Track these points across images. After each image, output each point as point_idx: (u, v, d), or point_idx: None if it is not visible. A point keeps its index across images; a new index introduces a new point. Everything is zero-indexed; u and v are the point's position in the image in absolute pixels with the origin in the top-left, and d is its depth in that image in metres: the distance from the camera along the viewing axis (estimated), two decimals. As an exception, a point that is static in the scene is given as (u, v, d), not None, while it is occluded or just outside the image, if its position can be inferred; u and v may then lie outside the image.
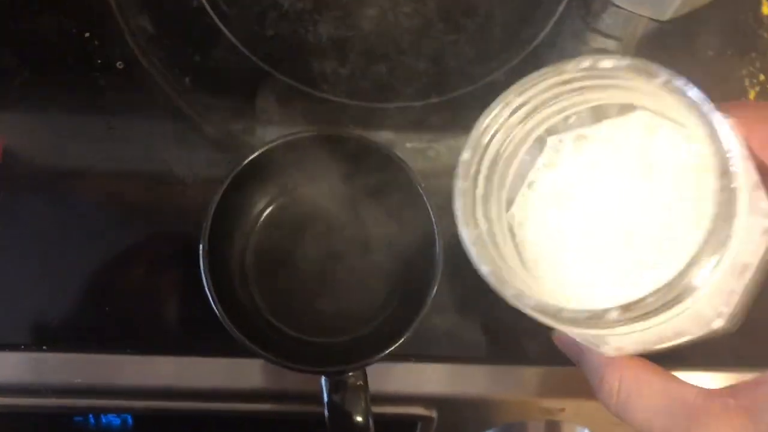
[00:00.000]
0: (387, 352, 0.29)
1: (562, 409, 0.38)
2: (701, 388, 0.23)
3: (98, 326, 0.37)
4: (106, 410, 0.37)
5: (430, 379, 0.37)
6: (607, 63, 0.22)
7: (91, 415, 0.37)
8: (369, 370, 0.32)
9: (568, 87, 0.24)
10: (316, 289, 0.33)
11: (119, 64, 0.39)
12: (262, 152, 0.31)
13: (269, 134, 0.38)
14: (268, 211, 0.34)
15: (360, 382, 0.30)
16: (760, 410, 0.21)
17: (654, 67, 0.22)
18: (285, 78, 0.39)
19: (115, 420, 0.38)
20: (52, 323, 0.36)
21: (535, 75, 0.24)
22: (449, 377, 0.37)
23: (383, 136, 0.38)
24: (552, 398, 0.37)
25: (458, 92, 0.39)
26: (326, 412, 0.30)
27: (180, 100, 0.39)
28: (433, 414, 0.37)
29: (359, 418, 0.30)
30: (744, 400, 0.21)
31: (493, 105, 0.24)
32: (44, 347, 0.36)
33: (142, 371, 0.36)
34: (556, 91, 0.24)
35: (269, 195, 0.34)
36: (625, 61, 0.22)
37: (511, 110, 0.24)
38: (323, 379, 0.30)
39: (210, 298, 0.29)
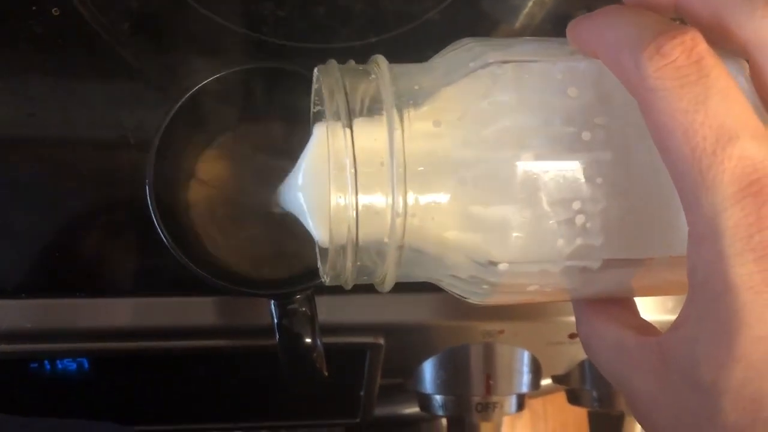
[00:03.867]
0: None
1: (501, 331, 0.40)
2: (638, 334, 0.23)
3: (49, 272, 0.37)
4: (61, 354, 0.37)
5: (377, 308, 0.38)
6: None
7: (46, 361, 0.38)
8: (320, 303, 0.34)
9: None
10: (259, 224, 0.34)
11: (55, 11, 0.39)
12: (201, 87, 0.32)
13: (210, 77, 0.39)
14: (210, 148, 0.35)
15: (306, 306, 0.31)
16: (673, 358, 0.21)
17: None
18: (224, 21, 0.40)
19: (70, 364, 0.38)
20: (2, 272, 0.36)
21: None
22: (395, 306, 0.38)
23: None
24: (491, 321, 0.40)
25: (395, 32, 0.40)
26: (276, 336, 0.31)
27: (120, 47, 0.39)
28: (381, 341, 0.39)
29: (308, 339, 0.31)
30: (665, 345, 0.21)
31: None
32: (-6, 294, 0.36)
33: (94, 314, 0.36)
34: None
35: (210, 132, 0.35)
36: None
37: None
38: (272, 306, 0.32)
39: (160, 231, 0.30)
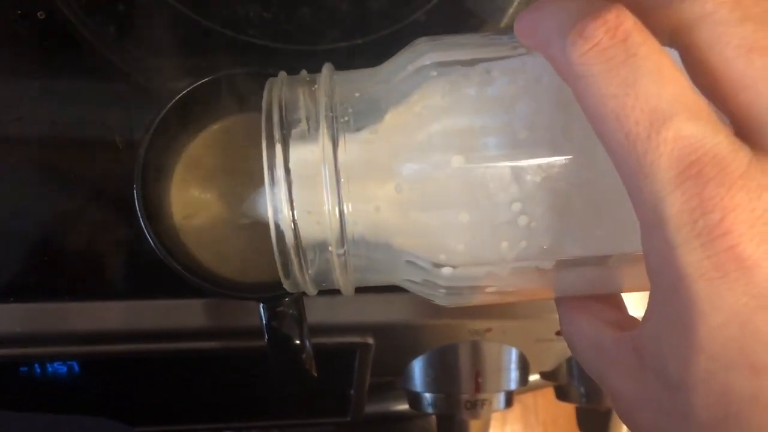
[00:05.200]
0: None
1: (489, 329, 0.41)
2: (616, 330, 0.22)
3: (37, 276, 0.37)
4: (52, 358, 0.37)
5: (366, 308, 0.39)
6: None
7: (36, 365, 0.38)
8: (310, 303, 0.34)
9: None
10: (246, 227, 0.34)
11: (40, 14, 0.39)
12: (188, 92, 0.32)
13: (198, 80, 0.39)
14: (195, 152, 0.35)
15: (295, 308, 0.32)
16: (645, 354, 0.20)
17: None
18: (210, 23, 0.40)
19: (61, 368, 0.38)
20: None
21: None
22: (384, 306, 0.39)
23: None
24: (478, 320, 0.40)
25: (382, 33, 0.41)
26: (265, 337, 0.32)
27: (106, 50, 0.39)
28: (371, 341, 0.39)
29: (297, 341, 0.31)
30: (637, 341, 0.20)
31: None
32: (-17, 299, 0.36)
33: (85, 317, 0.36)
34: None
35: (195, 137, 0.35)
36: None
37: None
38: (261, 309, 0.32)
39: (148, 237, 0.30)
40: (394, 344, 0.40)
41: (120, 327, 0.37)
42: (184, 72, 0.39)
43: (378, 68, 0.25)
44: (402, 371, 0.43)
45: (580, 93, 0.18)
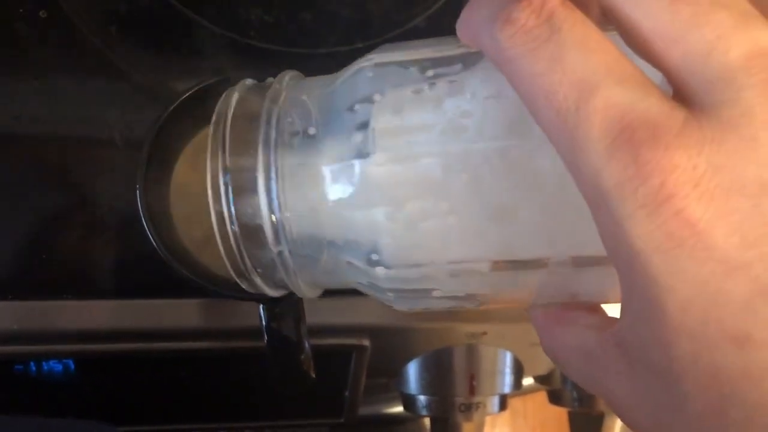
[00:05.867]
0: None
1: (485, 333, 0.41)
2: (599, 331, 0.21)
3: (35, 273, 0.37)
4: (47, 356, 0.37)
5: (363, 311, 0.39)
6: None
7: (32, 363, 0.38)
8: (307, 305, 0.34)
9: None
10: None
11: (42, 13, 0.39)
12: (192, 93, 0.32)
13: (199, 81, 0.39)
14: (194, 154, 0.35)
15: (294, 310, 0.32)
16: (629, 348, 0.19)
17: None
18: (212, 25, 0.40)
19: (56, 366, 0.38)
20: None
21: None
22: (380, 308, 0.39)
23: (311, 82, 0.40)
24: (474, 323, 0.40)
25: (382, 38, 0.41)
26: (265, 339, 0.32)
27: (107, 50, 0.39)
28: (367, 343, 0.39)
29: (296, 342, 0.32)
30: (619, 336, 0.19)
31: None
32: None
33: (81, 315, 0.36)
34: None
35: (196, 135, 0.35)
36: None
37: None
38: (261, 309, 0.32)
39: (150, 237, 0.30)
40: (390, 346, 0.41)
41: (116, 326, 0.37)
42: (186, 73, 0.39)
43: (336, 73, 0.25)
44: (397, 373, 0.43)
45: (512, 78, 0.18)
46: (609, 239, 0.17)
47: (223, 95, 0.25)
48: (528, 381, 0.47)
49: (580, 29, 0.17)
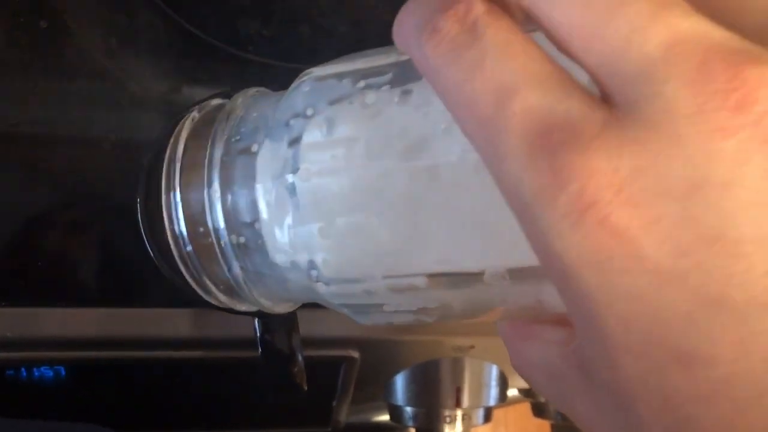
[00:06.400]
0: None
1: (472, 346, 0.42)
2: (562, 347, 0.19)
3: (27, 281, 0.37)
4: (39, 362, 0.37)
5: (352, 322, 0.39)
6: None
7: (23, 368, 0.38)
8: (299, 317, 0.34)
9: None
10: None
11: (43, 23, 0.39)
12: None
13: (196, 95, 0.39)
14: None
15: (289, 323, 0.32)
16: (586, 367, 0.17)
17: None
18: (210, 38, 0.40)
19: (48, 372, 0.38)
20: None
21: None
22: (370, 321, 0.40)
23: (306, 97, 0.40)
24: (461, 336, 0.41)
25: (377, 55, 0.42)
26: (259, 351, 0.32)
27: (106, 61, 0.40)
28: (356, 355, 0.40)
29: (288, 354, 0.32)
30: (578, 353, 0.18)
31: None
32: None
33: (74, 323, 0.37)
34: None
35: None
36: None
37: None
38: (255, 322, 0.33)
39: (149, 249, 0.30)
40: (379, 358, 0.41)
41: (110, 334, 0.37)
42: (184, 85, 0.40)
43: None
44: (385, 385, 0.43)
45: (436, 88, 0.17)
46: (539, 252, 0.16)
47: (185, 116, 0.26)
48: (512, 392, 0.48)
49: (502, 34, 0.16)
